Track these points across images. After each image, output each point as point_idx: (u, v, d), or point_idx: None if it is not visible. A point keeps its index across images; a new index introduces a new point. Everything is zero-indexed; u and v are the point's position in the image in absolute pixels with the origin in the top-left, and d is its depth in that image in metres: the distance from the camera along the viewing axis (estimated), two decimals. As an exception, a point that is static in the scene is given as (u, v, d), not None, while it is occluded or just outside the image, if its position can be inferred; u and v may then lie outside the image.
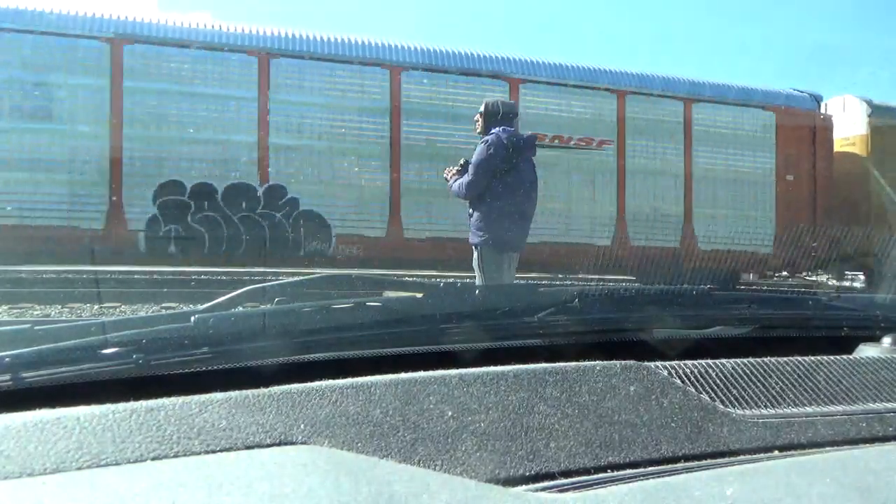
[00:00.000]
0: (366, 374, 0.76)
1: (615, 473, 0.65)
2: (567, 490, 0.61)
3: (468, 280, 4.89)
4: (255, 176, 8.42)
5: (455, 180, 4.19)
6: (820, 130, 10.65)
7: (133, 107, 8.05)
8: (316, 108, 8.69)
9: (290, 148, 8.58)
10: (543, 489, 0.62)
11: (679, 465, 0.67)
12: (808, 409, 0.81)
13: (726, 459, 0.69)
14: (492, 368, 0.80)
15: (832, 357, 0.95)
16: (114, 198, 7.91)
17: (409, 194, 9.00)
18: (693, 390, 0.81)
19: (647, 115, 10.05)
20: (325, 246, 8.64)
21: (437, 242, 8.69)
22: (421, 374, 0.78)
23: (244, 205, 8.41)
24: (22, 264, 7.57)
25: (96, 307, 7.11)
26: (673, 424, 0.73)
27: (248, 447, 0.62)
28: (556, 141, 9.57)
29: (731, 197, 10.41)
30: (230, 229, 8.33)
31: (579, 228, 9.58)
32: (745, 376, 0.86)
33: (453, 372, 0.78)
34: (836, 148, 10.79)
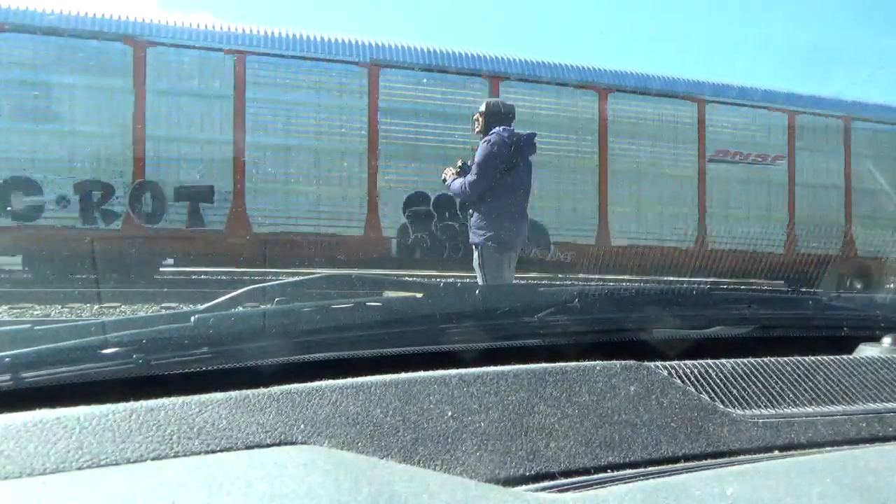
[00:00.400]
0: (366, 374, 0.76)
1: (615, 473, 0.65)
2: (567, 490, 0.61)
3: (468, 280, 4.90)
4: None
5: (454, 179, 4.20)
6: None
7: (387, 127, 9.21)
8: (537, 128, 9.54)
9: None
10: (543, 489, 0.62)
11: (679, 465, 0.67)
12: (808, 409, 0.81)
13: (726, 459, 0.69)
14: (492, 368, 0.80)
15: (832, 357, 0.95)
16: (371, 208, 9.17)
17: (615, 205, 10.23)
18: (693, 390, 0.81)
19: (814, 132, 11.21)
20: (545, 252, 9.54)
21: (639, 249, 9.61)
22: (421, 374, 0.78)
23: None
24: (293, 267, 8.41)
25: (96, 307, 7.13)
26: (673, 424, 0.73)
27: (248, 447, 0.62)
28: (737, 157, 10.84)
29: (887, 208, 11.38)
30: (466, 237, 8.96)
31: (755, 237, 10.71)
32: (745, 376, 0.86)
33: (453, 372, 0.78)
34: None
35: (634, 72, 10.58)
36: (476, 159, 4.07)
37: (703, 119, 10.56)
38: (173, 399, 0.67)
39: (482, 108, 4.28)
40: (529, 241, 9.36)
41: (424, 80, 9.33)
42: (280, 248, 8.40)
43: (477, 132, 4.31)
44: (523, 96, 9.44)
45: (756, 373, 0.87)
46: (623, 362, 0.84)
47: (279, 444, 0.63)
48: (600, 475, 0.65)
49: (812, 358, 0.93)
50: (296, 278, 1.43)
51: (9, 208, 7.90)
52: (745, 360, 0.90)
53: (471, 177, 4.05)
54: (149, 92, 8.32)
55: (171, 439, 0.62)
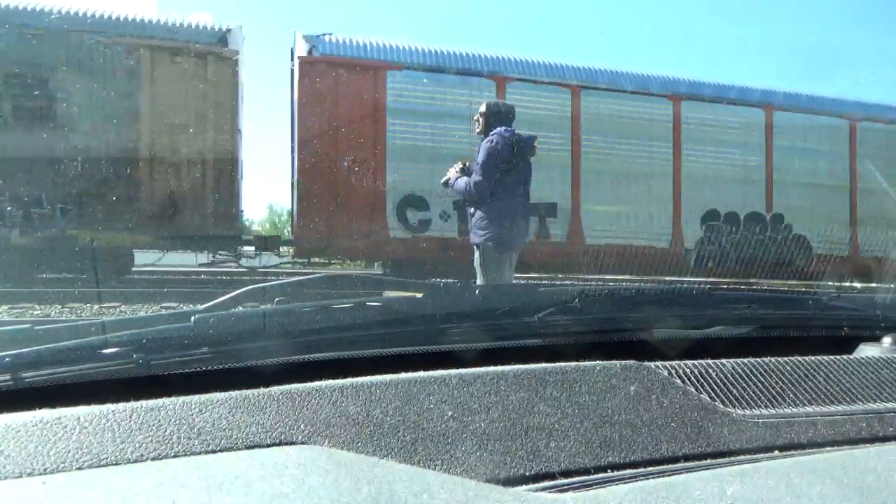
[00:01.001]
0: (366, 374, 0.76)
1: (615, 473, 0.65)
2: (567, 490, 0.61)
3: (468, 280, 4.90)
4: (763, 206, 11.21)
5: (457, 178, 4.21)
6: None
7: (690, 154, 10.72)
8: (803, 152, 11.40)
9: (787, 183, 11.32)
10: (543, 489, 0.62)
11: (679, 465, 0.67)
12: (808, 409, 0.81)
13: (726, 459, 0.69)
14: (492, 368, 0.80)
15: (832, 357, 0.95)
16: (675, 224, 10.71)
17: (863, 220, 11.49)
18: (693, 390, 0.81)
19: None
20: (809, 263, 10.52)
21: (884, 261, 10.34)
22: (421, 374, 0.78)
23: (758, 229, 10.93)
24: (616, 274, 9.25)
25: (96, 307, 7.13)
26: (673, 424, 0.73)
27: (248, 447, 0.62)
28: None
29: None
30: (747, 248, 10.78)
31: None
32: (745, 376, 0.86)
33: (453, 372, 0.78)
34: None
35: (873, 102, 12.16)
36: (479, 159, 4.08)
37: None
38: (173, 399, 0.67)
39: (482, 108, 4.30)
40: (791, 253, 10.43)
41: (714, 112, 10.95)
42: (606, 258, 9.47)
43: (478, 132, 4.32)
44: (813, 127, 11.27)
45: (756, 373, 0.87)
46: (623, 362, 0.84)
47: (279, 444, 0.63)
48: (600, 475, 0.65)
49: (812, 358, 0.93)
50: (296, 278, 1.43)
51: (405, 221, 9.50)
52: (745, 360, 0.90)
53: (475, 177, 4.06)
54: (509, 120, 9.79)
55: (171, 439, 0.62)
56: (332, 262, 10.37)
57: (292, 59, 9.68)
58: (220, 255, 9.57)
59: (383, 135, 9.30)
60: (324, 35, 9.43)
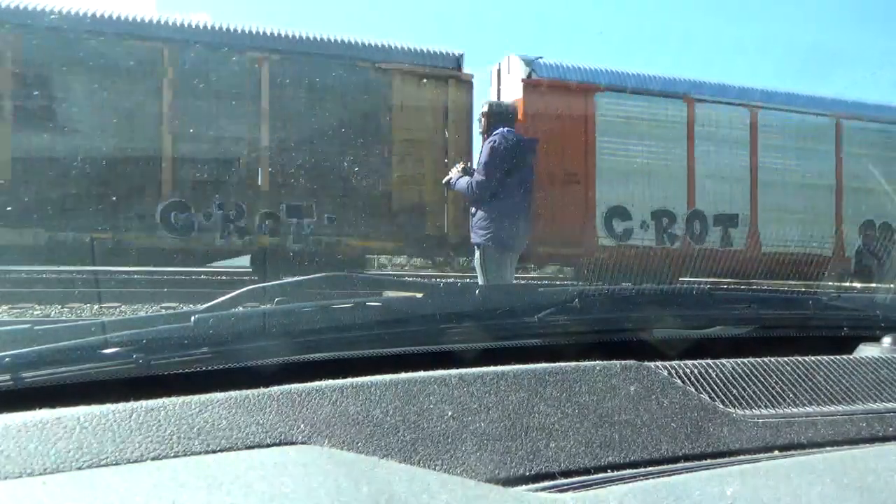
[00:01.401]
0: (366, 374, 0.76)
1: (615, 473, 0.65)
2: (567, 490, 0.61)
3: (468, 280, 4.91)
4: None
5: (459, 178, 4.21)
6: None
7: (850, 168, 11.23)
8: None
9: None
10: (543, 489, 0.62)
11: (679, 465, 0.67)
12: (808, 409, 0.81)
13: (726, 459, 0.69)
14: (492, 368, 0.80)
15: (832, 357, 0.95)
16: (838, 233, 11.28)
17: None
18: (693, 390, 0.81)
19: None
20: None
21: None
22: (421, 374, 0.78)
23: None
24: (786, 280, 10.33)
25: (96, 307, 7.14)
26: (673, 424, 0.73)
27: (248, 447, 0.62)
28: None
29: None
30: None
31: None
32: (745, 376, 0.86)
33: (453, 372, 0.78)
34: None
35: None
36: (481, 159, 4.09)
37: None
38: (173, 399, 0.67)
39: (485, 108, 4.30)
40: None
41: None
42: (776, 266, 9.99)
43: (480, 132, 4.34)
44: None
45: (756, 373, 0.87)
46: (623, 362, 0.84)
47: (279, 444, 0.63)
48: (600, 475, 0.65)
49: (812, 358, 0.93)
50: (295, 278, 1.43)
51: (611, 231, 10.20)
52: (745, 360, 0.90)
53: (478, 176, 4.07)
54: (697, 138, 10.49)
55: (171, 439, 0.62)
56: (530, 267, 11.02)
57: (499, 79, 10.45)
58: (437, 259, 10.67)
59: (593, 151, 10.00)
60: (538, 58, 10.20)
